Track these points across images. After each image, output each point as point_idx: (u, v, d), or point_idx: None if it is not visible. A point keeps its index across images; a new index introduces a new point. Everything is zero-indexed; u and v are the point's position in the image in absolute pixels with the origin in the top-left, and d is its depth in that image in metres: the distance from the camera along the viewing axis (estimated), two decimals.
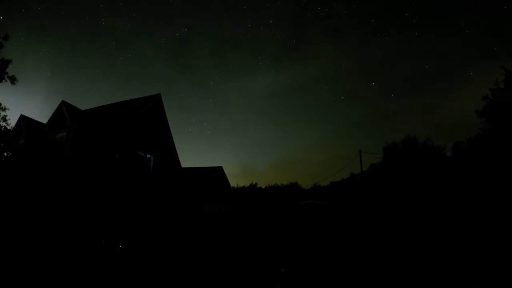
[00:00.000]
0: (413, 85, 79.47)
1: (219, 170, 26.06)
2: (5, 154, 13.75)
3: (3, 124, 12.86)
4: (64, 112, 14.67)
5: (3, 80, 12.15)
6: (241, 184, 50.26)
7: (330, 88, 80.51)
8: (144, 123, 16.09)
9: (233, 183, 46.54)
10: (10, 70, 12.25)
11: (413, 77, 77.24)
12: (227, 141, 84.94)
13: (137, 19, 67.79)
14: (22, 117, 17.20)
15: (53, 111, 15.14)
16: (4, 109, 12.78)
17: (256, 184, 48.64)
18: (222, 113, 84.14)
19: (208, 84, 77.77)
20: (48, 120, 15.06)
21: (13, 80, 12.28)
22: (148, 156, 16.43)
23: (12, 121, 15.88)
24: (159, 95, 17.26)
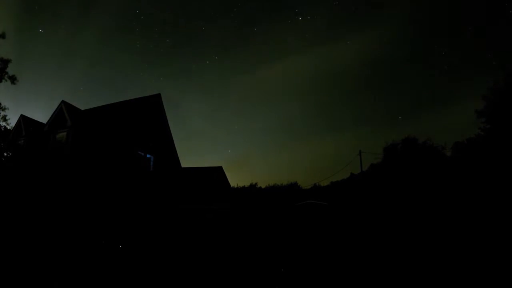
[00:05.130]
0: (413, 86, 79.51)
1: (219, 170, 26.05)
2: (5, 154, 13.75)
3: (3, 124, 12.88)
4: (64, 112, 14.66)
5: (3, 80, 12.16)
6: (241, 184, 50.24)
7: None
8: (144, 123, 16.09)
9: (233, 183, 46.54)
10: (10, 70, 12.26)
11: (414, 79, 77.22)
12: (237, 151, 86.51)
13: (160, 40, 67.46)
14: (22, 117, 17.19)
15: (53, 111, 15.14)
16: (4, 109, 12.79)
17: (256, 184, 48.62)
18: (242, 134, 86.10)
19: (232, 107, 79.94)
20: (48, 120, 15.04)
21: (13, 80, 12.29)
22: (148, 156, 16.44)
23: (12, 121, 15.91)
24: (159, 95, 17.26)
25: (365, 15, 58.85)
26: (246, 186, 47.86)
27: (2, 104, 12.70)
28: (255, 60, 75.29)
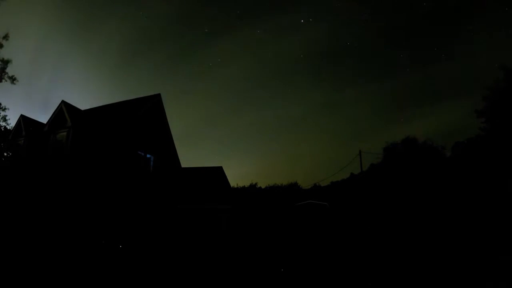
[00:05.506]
0: (413, 85, 79.51)
1: (219, 170, 25.99)
2: (5, 154, 13.76)
3: (3, 124, 12.92)
4: (64, 112, 14.65)
5: (3, 80, 12.17)
6: (241, 184, 50.16)
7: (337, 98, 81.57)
8: (144, 123, 16.07)
9: (233, 183, 46.48)
10: (10, 70, 12.28)
11: (413, 78, 77.26)
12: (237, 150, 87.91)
13: (162, 42, 67.51)
14: (22, 117, 17.18)
15: (53, 111, 15.14)
16: (4, 109, 12.81)
17: (256, 184, 48.58)
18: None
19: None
20: (48, 120, 15.04)
21: (13, 80, 12.30)
22: (148, 156, 16.42)
23: (12, 121, 15.93)
24: (159, 95, 17.25)
25: (366, 18, 58.97)
26: (246, 186, 47.82)
27: (2, 104, 12.73)
28: (256, 61, 75.44)
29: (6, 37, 12.01)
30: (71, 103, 15.79)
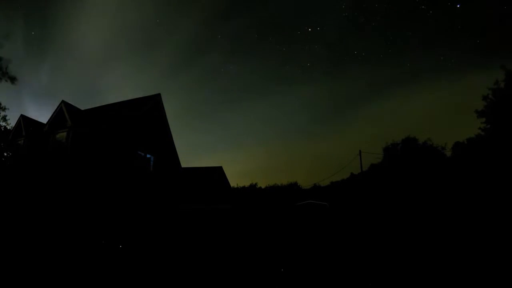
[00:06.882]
0: (413, 84, 79.52)
1: (219, 170, 26.01)
2: (5, 154, 13.76)
3: (3, 124, 12.90)
4: (64, 112, 14.65)
5: (3, 80, 12.16)
6: (241, 184, 50.26)
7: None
8: (144, 123, 16.08)
9: (233, 183, 46.50)
10: (10, 70, 12.27)
11: (413, 77, 77.25)
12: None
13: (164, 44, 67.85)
14: (22, 117, 17.19)
15: (53, 111, 15.14)
16: (4, 109, 12.81)
17: (256, 184, 48.71)
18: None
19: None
20: (48, 120, 15.04)
21: (13, 80, 12.29)
22: (148, 156, 16.43)
23: (12, 121, 15.92)
24: (159, 95, 17.25)
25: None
26: (246, 186, 47.95)
27: (2, 104, 12.73)
28: (255, 60, 75.48)
29: (7, 36, 12.02)
30: (71, 103, 15.81)
